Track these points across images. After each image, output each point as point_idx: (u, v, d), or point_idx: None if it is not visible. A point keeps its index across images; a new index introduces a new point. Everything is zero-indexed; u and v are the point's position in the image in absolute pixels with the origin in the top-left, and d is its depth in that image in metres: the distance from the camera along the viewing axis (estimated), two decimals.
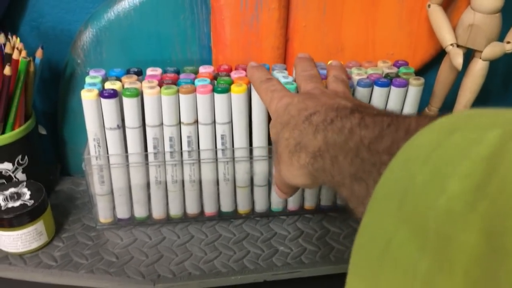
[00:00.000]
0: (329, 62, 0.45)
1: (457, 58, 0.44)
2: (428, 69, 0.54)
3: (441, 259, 0.15)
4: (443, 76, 0.48)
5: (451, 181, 0.16)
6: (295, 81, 0.42)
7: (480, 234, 0.14)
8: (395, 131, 0.24)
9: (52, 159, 0.56)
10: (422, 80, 0.45)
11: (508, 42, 0.43)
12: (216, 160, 0.47)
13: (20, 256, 0.45)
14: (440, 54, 0.50)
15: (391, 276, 0.18)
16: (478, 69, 0.45)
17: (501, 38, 0.45)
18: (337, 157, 0.28)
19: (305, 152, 0.31)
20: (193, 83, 0.44)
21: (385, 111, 0.30)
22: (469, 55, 0.47)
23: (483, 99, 0.51)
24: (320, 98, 0.34)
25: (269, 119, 0.45)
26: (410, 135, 0.20)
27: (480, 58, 0.45)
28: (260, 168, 0.48)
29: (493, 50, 0.43)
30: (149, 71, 0.46)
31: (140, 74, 0.46)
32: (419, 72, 0.53)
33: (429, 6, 0.46)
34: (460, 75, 0.48)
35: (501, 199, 0.14)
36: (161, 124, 0.44)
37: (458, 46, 0.45)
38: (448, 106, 0.50)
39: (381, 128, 0.25)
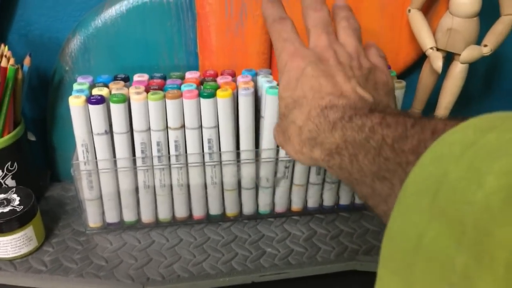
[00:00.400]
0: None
1: (437, 61, 0.45)
2: (410, 73, 0.55)
3: (480, 253, 0.15)
4: (424, 79, 0.49)
5: (488, 177, 0.16)
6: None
7: None
8: (421, 131, 0.24)
9: (42, 165, 0.56)
10: (403, 83, 0.46)
11: (486, 45, 0.45)
12: (204, 164, 0.47)
13: (10, 261, 0.46)
14: (422, 58, 0.51)
15: (427, 269, 0.18)
16: (458, 71, 0.46)
17: (479, 41, 0.46)
18: (356, 155, 0.27)
19: (320, 148, 0.31)
20: (179, 88, 0.45)
21: (405, 111, 0.30)
22: (450, 58, 0.48)
23: (464, 101, 0.52)
24: (335, 76, 0.33)
25: (257, 113, 0.46)
26: (438, 135, 0.21)
27: (459, 61, 0.46)
28: (247, 171, 0.49)
29: (471, 53, 0.45)
30: (136, 77, 0.47)
31: (127, 80, 0.47)
32: (402, 76, 0.54)
33: (409, 11, 0.47)
34: (441, 78, 0.49)
35: None
36: (149, 129, 0.45)
37: (438, 49, 0.46)
38: (430, 108, 0.52)
39: (404, 128, 0.25)
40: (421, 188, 0.19)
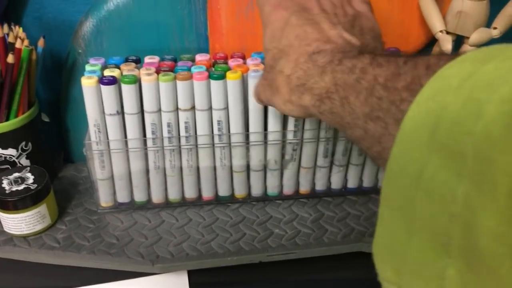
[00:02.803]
0: None
1: (446, 44, 0.45)
2: None
3: (481, 182, 0.15)
4: None
5: (488, 106, 0.16)
6: None
7: None
8: (414, 67, 0.24)
9: (55, 146, 0.58)
10: None
11: (495, 28, 0.44)
12: (213, 145, 0.48)
13: (24, 238, 0.47)
14: (432, 41, 0.51)
15: (427, 202, 0.18)
16: None
17: (489, 24, 0.46)
18: (348, 98, 0.27)
19: (310, 94, 0.30)
20: (189, 70, 0.45)
21: (396, 52, 0.29)
22: (460, 41, 0.48)
23: None
24: (321, 23, 0.33)
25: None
26: (432, 70, 0.20)
27: (468, 44, 0.46)
28: (256, 153, 0.49)
29: (480, 35, 0.45)
30: (147, 59, 0.48)
31: (138, 62, 0.48)
32: None
33: None
34: None
35: None
36: (159, 110, 0.46)
37: (447, 32, 0.46)
38: None
39: (396, 66, 0.25)
40: (420, 124, 0.19)
